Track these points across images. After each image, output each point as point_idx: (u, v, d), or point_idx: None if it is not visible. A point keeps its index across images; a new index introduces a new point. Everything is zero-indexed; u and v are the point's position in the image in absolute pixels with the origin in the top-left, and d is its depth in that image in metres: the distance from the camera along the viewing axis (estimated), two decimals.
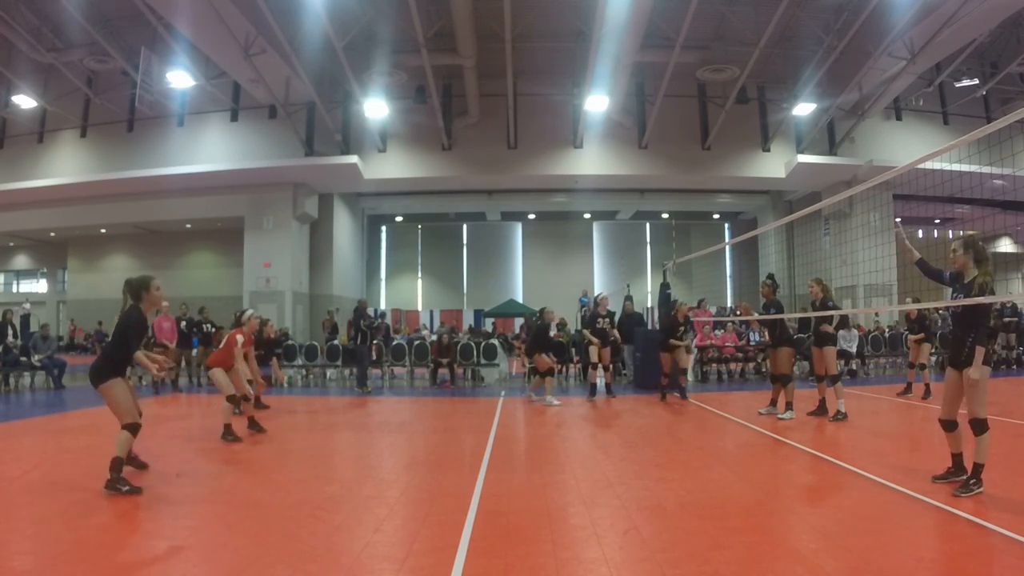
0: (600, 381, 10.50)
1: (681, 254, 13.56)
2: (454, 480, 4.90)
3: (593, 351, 10.18)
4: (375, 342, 13.17)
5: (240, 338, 6.94)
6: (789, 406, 7.76)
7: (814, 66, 15.69)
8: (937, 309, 13.18)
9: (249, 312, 7.45)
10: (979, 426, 4.21)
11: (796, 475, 5.19)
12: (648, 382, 11.25)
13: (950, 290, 4.70)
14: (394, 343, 13.67)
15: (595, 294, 11.81)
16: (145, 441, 6.65)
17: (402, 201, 23.30)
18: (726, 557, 3.20)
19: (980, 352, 4.22)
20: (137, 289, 4.73)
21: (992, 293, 4.29)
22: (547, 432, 7.15)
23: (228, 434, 6.53)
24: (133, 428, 4.55)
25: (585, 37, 15.10)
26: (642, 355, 11.63)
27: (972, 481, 4.21)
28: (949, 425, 4.50)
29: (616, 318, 15.34)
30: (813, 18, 15.38)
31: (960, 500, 4.06)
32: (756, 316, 8.40)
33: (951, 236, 25.16)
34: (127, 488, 4.40)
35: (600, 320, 10.25)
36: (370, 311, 13.52)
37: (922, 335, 9.73)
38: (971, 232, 4.95)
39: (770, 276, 8.48)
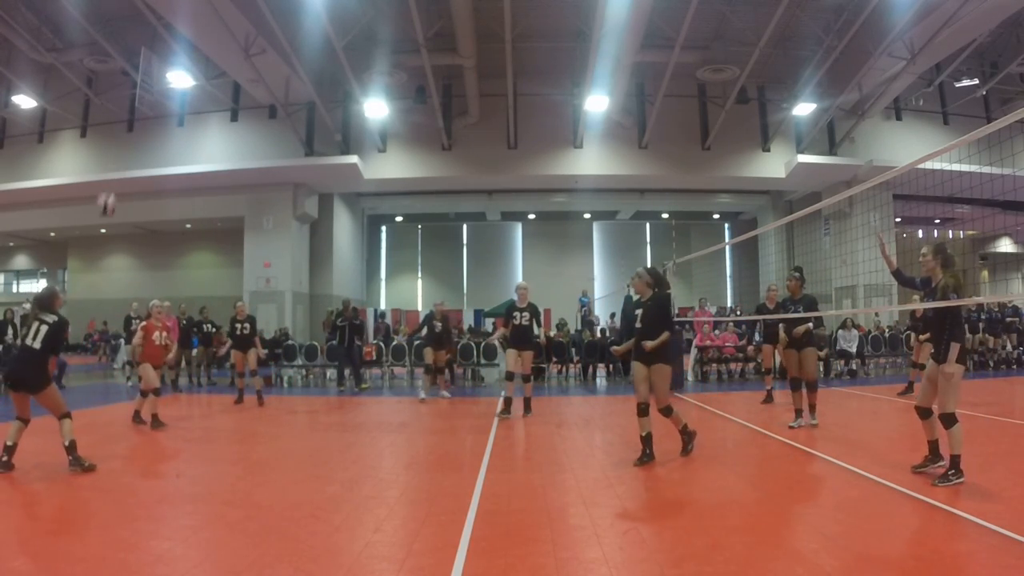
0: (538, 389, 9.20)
1: (681, 254, 13.55)
2: (454, 480, 4.90)
3: (510, 356, 8.18)
4: (374, 342, 13.16)
5: (139, 323, 7.97)
6: (813, 410, 7.12)
7: (814, 66, 15.68)
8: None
9: (152, 303, 8.01)
10: (948, 420, 4.43)
11: (796, 475, 5.19)
12: None
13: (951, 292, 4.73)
14: (394, 343, 13.66)
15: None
16: (146, 441, 6.67)
17: (402, 201, 23.29)
18: (726, 557, 3.20)
19: (955, 349, 4.48)
20: (51, 300, 5.29)
21: (957, 295, 4.57)
22: (547, 432, 7.14)
23: (156, 423, 7.24)
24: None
25: (585, 37, 15.09)
26: None
27: (951, 472, 4.40)
28: (923, 413, 4.79)
29: (616, 318, 15.41)
30: (813, 18, 15.37)
31: (962, 501, 4.06)
32: (798, 315, 7.34)
33: (951, 236, 25.19)
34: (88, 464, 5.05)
35: (518, 315, 8.11)
36: (369, 311, 13.50)
37: (929, 335, 9.53)
38: (974, 232, 5.10)
39: (797, 269, 7.77)
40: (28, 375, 5.05)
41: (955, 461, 4.41)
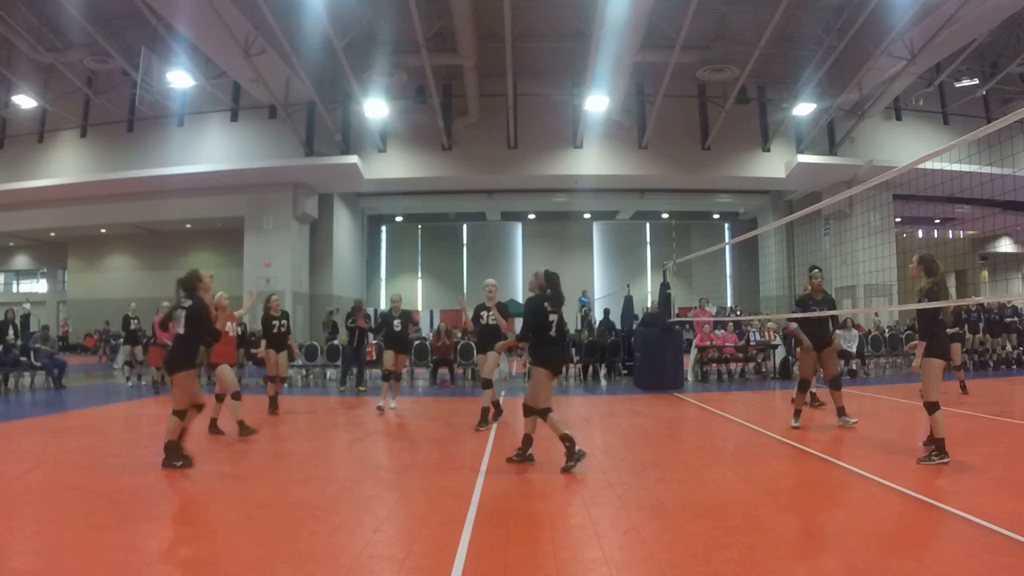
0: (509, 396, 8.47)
1: (681, 254, 13.56)
2: (454, 480, 4.89)
3: (480, 362, 7.79)
4: (373, 343, 13.15)
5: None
6: (842, 411, 6.99)
7: (814, 66, 15.69)
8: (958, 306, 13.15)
9: (219, 294, 6.90)
10: (930, 407, 5.00)
11: (796, 475, 5.19)
12: (648, 382, 11.25)
13: (954, 288, 4.97)
14: None
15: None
16: (146, 441, 6.66)
17: (402, 201, 23.30)
18: (726, 557, 3.20)
19: (921, 346, 5.14)
20: (190, 284, 5.37)
21: (935, 298, 5.18)
22: (547, 432, 7.12)
23: (245, 430, 6.66)
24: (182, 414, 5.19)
25: (585, 37, 15.09)
26: (642, 355, 11.63)
27: (935, 453, 4.93)
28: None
29: (613, 314, 15.38)
30: (813, 18, 15.38)
31: (962, 501, 4.06)
32: (823, 312, 7.15)
33: (951, 236, 25.20)
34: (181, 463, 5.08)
35: (485, 314, 7.58)
36: (370, 311, 13.50)
37: (956, 329, 8.98)
38: (974, 232, 5.34)
39: (816, 267, 7.53)
40: (168, 356, 5.41)
41: (940, 444, 4.93)
